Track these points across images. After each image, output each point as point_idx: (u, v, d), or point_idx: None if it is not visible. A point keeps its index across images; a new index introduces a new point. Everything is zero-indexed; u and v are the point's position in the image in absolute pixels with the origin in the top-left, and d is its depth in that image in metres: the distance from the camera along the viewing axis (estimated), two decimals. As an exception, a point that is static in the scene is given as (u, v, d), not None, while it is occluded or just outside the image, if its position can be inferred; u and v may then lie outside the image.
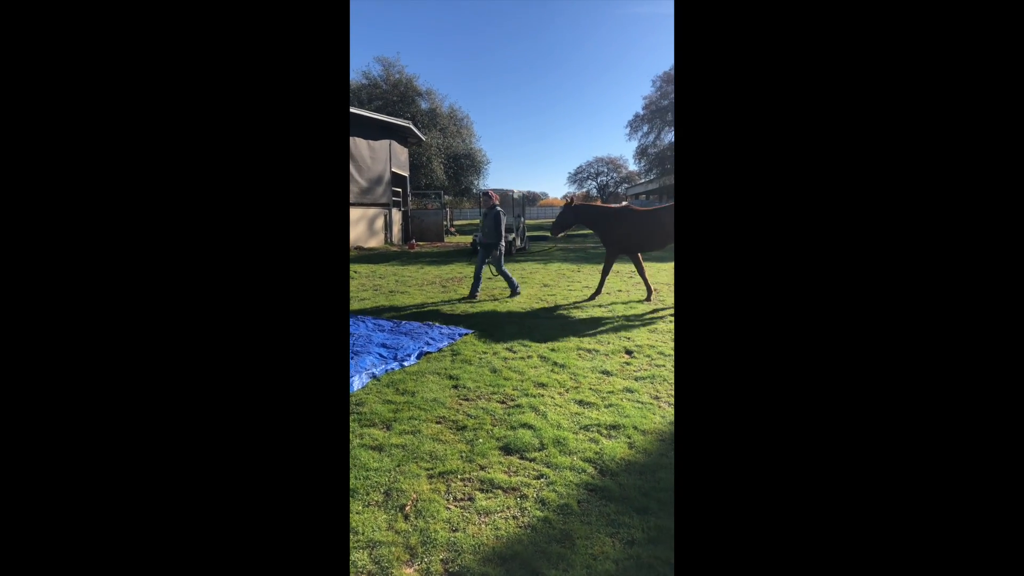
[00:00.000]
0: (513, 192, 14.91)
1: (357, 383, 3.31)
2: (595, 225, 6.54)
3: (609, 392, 3.22)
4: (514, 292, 6.68)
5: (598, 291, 6.48)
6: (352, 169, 13.84)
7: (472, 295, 6.51)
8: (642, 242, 6.25)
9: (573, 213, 6.59)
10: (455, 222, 18.79)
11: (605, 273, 6.52)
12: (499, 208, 6.72)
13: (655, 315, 5.47)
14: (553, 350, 4.14)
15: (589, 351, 4.12)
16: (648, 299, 6.22)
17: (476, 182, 29.34)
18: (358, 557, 1.74)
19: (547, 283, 7.75)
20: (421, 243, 16.34)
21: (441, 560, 1.73)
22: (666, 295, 6.64)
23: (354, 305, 6.15)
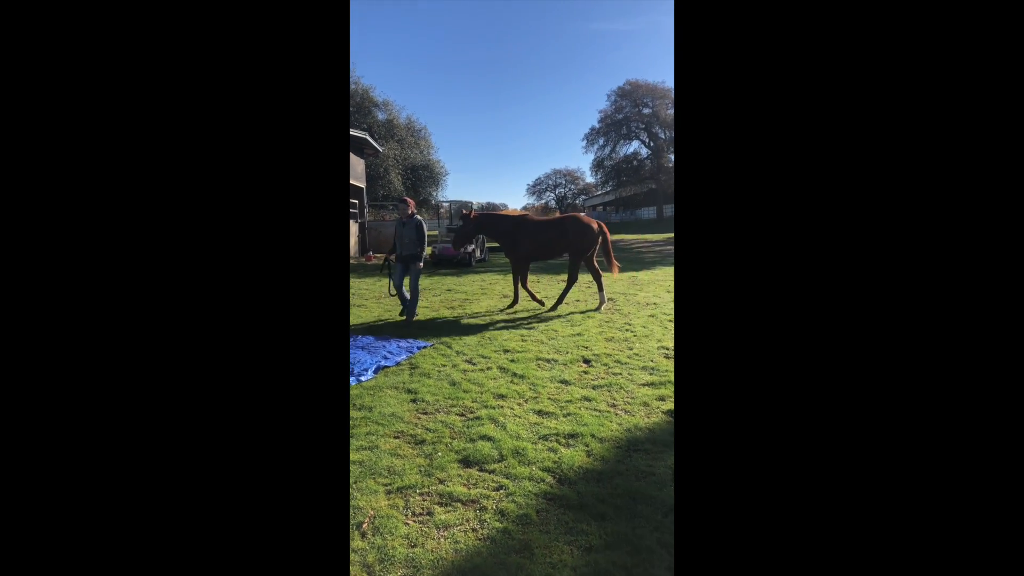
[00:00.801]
0: (472, 203, 14.96)
1: (312, 399, 3.23)
2: (496, 235, 6.64)
3: (567, 401, 3.26)
4: (408, 315, 5.76)
5: (515, 301, 6.58)
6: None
7: (409, 316, 5.77)
8: (542, 251, 6.43)
9: (474, 225, 6.69)
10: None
11: (521, 282, 6.61)
12: (419, 216, 5.90)
13: (610, 324, 5.58)
14: (513, 361, 4.16)
15: (548, 361, 4.16)
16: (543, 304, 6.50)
17: (435, 193, 29.26)
18: (313, 579, 1.70)
19: (507, 294, 7.79)
20: (379, 255, 16.10)
21: (399, 577, 1.71)
22: (622, 303, 6.79)
23: (309, 319, 6.00)
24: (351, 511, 2.07)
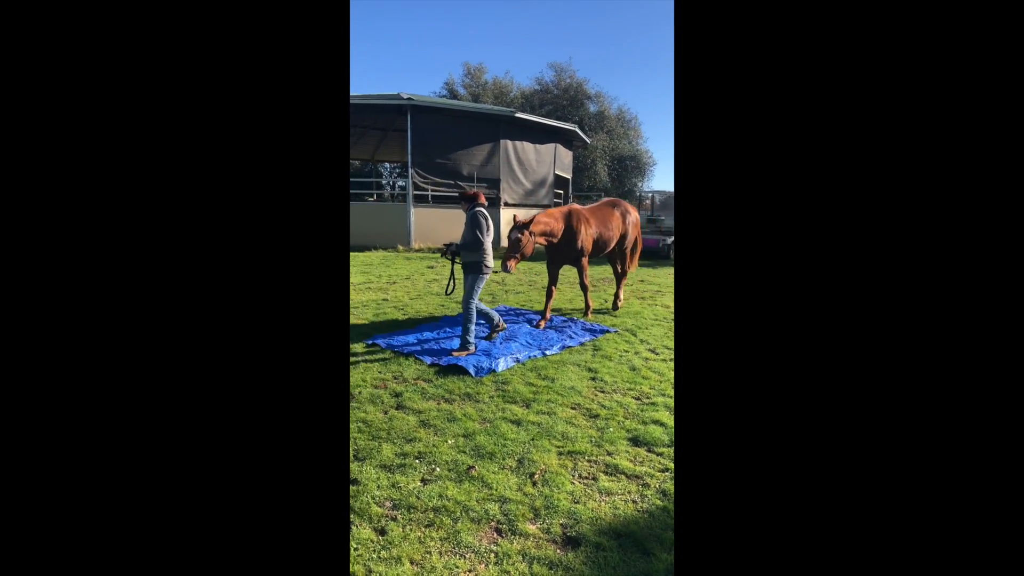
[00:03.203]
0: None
1: (503, 364, 3.64)
2: (548, 236, 5.07)
3: (754, 403, 3.07)
4: (493, 329, 4.34)
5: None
6: (519, 171, 14.67)
7: (492, 328, 4.35)
8: (602, 244, 5.40)
9: (521, 228, 4.79)
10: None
11: (550, 288, 5.19)
12: (477, 208, 4.04)
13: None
14: (699, 356, 4.02)
15: (739, 361, 3.92)
16: (586, 314, 5.42)
17: (640, 184, 28.81)
18: (490, 508, 2.00)
19: (704, 290, 7.42)
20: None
21: (560, 524, 1.91)
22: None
23: (508, 299, 6.61)
24: (527, 463, 2.34)
